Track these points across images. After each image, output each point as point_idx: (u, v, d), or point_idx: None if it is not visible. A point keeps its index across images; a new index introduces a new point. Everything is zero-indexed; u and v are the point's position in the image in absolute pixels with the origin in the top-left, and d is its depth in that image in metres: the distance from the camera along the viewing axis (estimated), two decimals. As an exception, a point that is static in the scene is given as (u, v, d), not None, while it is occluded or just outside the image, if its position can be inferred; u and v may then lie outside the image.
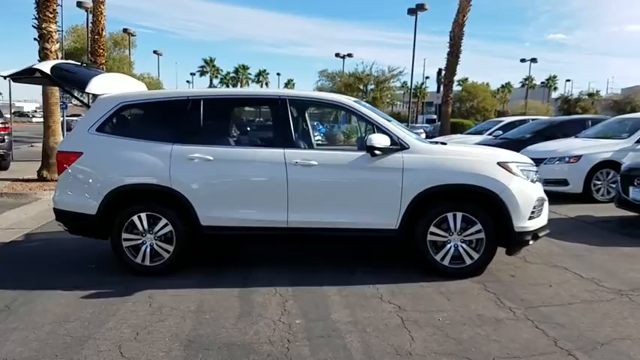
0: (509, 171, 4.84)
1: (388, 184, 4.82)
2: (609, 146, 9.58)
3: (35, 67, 5.19)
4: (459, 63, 20.11)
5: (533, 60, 54.15)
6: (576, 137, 11.05)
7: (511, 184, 4.77)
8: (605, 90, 68.74)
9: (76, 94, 7.15)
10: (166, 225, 4.97)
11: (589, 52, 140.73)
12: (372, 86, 37.54)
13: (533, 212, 4.87)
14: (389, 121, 5.21)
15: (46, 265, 5.49)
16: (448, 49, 19.90)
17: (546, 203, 5.16)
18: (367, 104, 5.36)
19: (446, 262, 4.87)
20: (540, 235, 5.00)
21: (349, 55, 47.03)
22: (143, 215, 4.98)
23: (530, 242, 4.93)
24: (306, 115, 5.61)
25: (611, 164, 9.32)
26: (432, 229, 4.84)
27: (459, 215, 4.81)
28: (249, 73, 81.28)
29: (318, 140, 5.57)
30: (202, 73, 79.21)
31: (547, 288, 4.60)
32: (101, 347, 3.48)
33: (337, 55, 47.40)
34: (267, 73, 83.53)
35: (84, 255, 5.85)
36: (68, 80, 5.34)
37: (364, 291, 4.54)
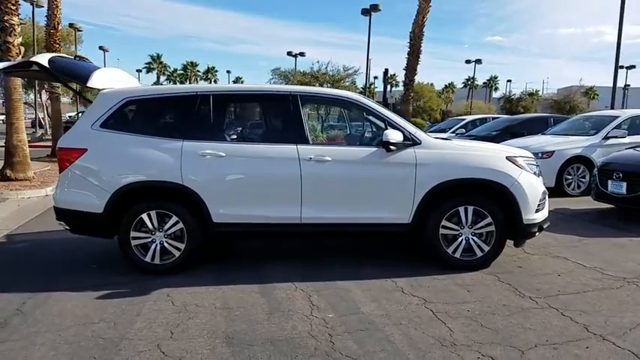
0: (518, 165, 5.01)
1: (401, 179, 4.89)
2: (578, 142, 10.05)
3: (33, 59, 4.94)
4: (419, 62, 20.57)
5: (478, 61, 55.80)
6: (544, 134, 11.51)
7: (520, 178, 4.94)
8: (542, 90, 71.73)
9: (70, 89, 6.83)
10: (177, 223, 4.86)
11: (525, 53, 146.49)
12: (328, 85, 37.71)
13: (539, 205, 5.06)
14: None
15: (42, 266, 5.27)
16: (408, 49, 20.31)
17: (547, 196, 5.37)
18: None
19: (457, 255, 4.99)
20: (544, 226, 5.20)
21: (301, 54, 46.92)
22: (153, 213, 4.85)
23: (537, 234, 5.12)
24: (317, 111, 5.61)
25: (580, 159, 9.80)
26: (444, 222, 4.95)
27: (470, 209, 4.93)
28: (198, 70, 79.68)
29: (329, 136, 5.58)
30: (149, 70, 77.20)
31: (557, 277, 4.79)
32: (139, 347, 3.38)
33: (289, 53, 47.08)
34: (216, 71, 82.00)
35: (78, 255, 5.67)
36: (67, 74, 5.11)
37: (383, 285, 4.59)
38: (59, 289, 4.53)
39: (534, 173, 5.16)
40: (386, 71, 33.17)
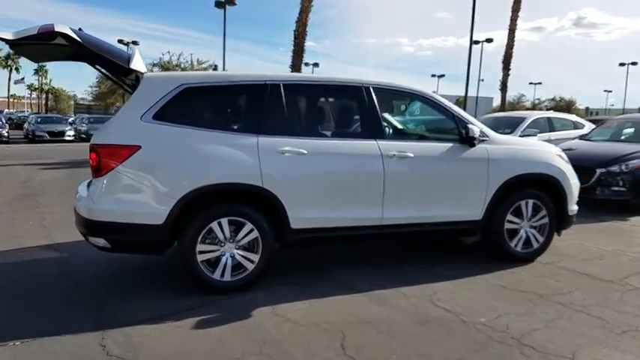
0: (565, 160, 5.32)
1: (477, 175, 4.86)
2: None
3: (58, 29, 3.80)
4: (303, 61, 20.70)
5: (316, 64, 57.91)
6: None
7: (568, 172, 5.25)
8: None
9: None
10: (251, 231, 4.20)
11: (336, 60, 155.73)
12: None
13: (577, 197, 5.44)
14: None
15: (78, 295, 4.20)
16: (293, 47, 20.34)
17: None
18: None
19: (519, 248, 5.12)
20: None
21: (135, 43, 43.36)
22: (224, 221, 4.13)
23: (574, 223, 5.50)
24: (389, 104, 5.26)
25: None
26: (509, 217, 5.04)
27: (530, 202, 5.09)
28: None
29: (403, 130, 5.27)
30: None
31: (608, 260, 5.24)
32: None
33: (120, 41, 43.14)
34: (18, 58, 71.45)
35: (126, 280, 4.66)
36: (103, 50, 4.06)
37: (476, 281, 4.53)
38: (135, 322, 3.62)
39: (570, 168, 5.52)
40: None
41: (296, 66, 20.56)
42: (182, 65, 35.33)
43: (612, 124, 10.58)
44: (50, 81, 65.40)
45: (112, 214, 3.98)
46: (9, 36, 3.82)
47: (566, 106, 52.50)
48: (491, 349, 3.23)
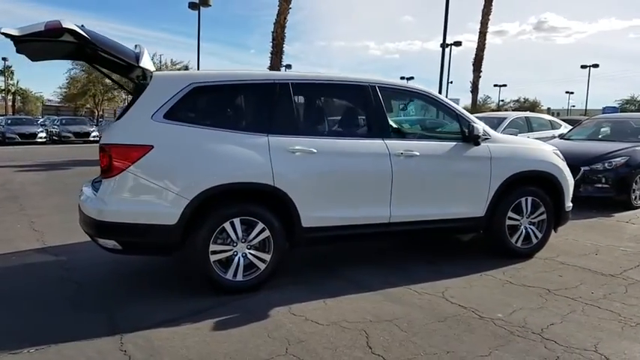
0: (561, 158, 5.45)
1: (480, 173, 4.93)
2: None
3: (66, 26, 3.68)
4: (282, 62, 20.69)
5: (289, 66, 57.86)
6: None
7: (564, 170, 5.38)
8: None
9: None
10: (263, 230, 4.17)
11: (304, 62, 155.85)
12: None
13: (572, 193, 5.58)
14: None
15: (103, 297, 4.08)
16: (272, 49, 20.27)
17: None
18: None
19: (519, 244, 5.22)
20: (570, 212, 5.74)
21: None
22: (236, 221, 4.09)
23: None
24: (392, 103, 5.28)
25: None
26: (510, 214, 5.13)
27: (529, 199, 5.20)
28: None
29: (408, 129, 5.31)
30: None
31: (603, 255, 5.38)
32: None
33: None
34: None
35: (134, 279, 4.57)
36: (111, 48, 3.96)
37: (484, 277, 4.60)
38: (151, 325, 3.55)
39: (564, 165, 5.66)
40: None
41: (275, 68, 20.48)
42: (156, 66, 34.97)
43: (590, 123, 10.89)
44: (17, 82, 63.33)
45: (124, 214, 3.89)
46: (15, 32, 3.69)
47: (531, 107, 53.70)
48: (516, 343, 3.28)
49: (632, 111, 51.79)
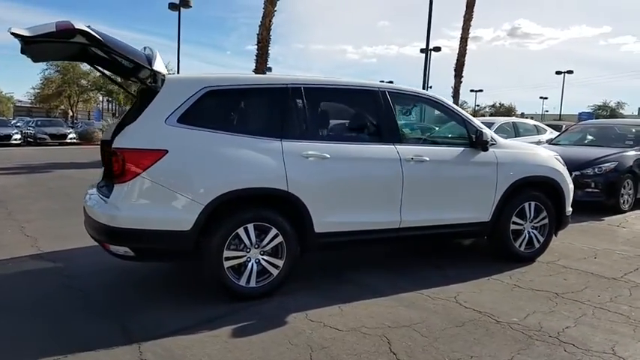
0: (562, 163, 5.55)
1: (487, 178, 4.99)
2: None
3: (79, 27, 3.60)
4: (267, 65, 20.59)
5: (269, 69, 57.74)
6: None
7: (565, 175, 5.48)
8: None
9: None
10: (276, 236, 4.14)
11: (282, 65, 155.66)
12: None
13: (572, 198, 5.68)
14: None
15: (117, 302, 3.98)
16: (257, 52, 20.15)
17: None
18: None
19: (522, 249, 5.29)
20: (569, 216, 5.84)
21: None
22: (250, 226, 4.05)
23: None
24: (401, 108, 5.30)
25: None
26: (514, 218, 5.20)
27: (533, 204, 5.28)
28: None
29: (416, 134, 5.33)
30: None
31: (602, 258, 5.50)
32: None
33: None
34: None
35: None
36: (124, 50, 3.89)
37: (491, 281, 4.65)
38: (167, 333, 3.49)
39: (563, 170, 5.77)
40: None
41: (260, 71, 20.36)
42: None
43: (576, 129, 11.13)
44: (-11, 83, 62.00)
45: (138, 221, 3.82)
46: (25, 32, 3.58)
47: (506, 112, 54.67)
48: (536, 347, 3.32)
49: (604, 117, 53.09)
